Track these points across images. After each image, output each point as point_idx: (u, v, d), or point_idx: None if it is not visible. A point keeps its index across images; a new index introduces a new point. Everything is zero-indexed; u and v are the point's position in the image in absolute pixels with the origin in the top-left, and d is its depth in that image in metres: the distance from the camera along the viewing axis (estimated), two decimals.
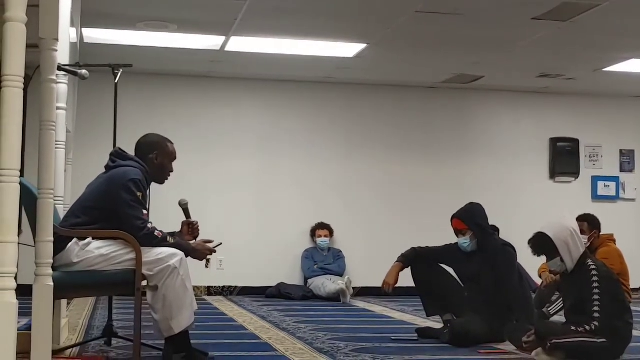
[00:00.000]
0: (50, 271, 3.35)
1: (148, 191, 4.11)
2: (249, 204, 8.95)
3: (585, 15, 6.14)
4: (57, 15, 3.45)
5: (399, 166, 9.27)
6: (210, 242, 4.13)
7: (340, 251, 8.91)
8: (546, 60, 7.87)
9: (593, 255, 6.04)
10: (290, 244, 8.89)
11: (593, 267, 4.32)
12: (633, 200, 9.69)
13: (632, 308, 4.58)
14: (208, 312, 6.71)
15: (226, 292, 8.79)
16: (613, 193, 9.64)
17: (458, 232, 5.28)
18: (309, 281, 8.61)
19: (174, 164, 4.26)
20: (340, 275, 8.62)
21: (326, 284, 8.28)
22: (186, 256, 3.96)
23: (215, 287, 8.75)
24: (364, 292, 8.73)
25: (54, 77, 3.44)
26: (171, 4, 6.13)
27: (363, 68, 8.25)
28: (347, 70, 8.36)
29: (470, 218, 5.23)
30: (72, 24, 5.21)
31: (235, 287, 8.82)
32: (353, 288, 8.43)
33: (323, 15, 6.42)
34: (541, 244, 4.46)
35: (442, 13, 6.19)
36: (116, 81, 4.62)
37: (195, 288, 8.43)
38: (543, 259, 4.78)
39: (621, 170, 9.72)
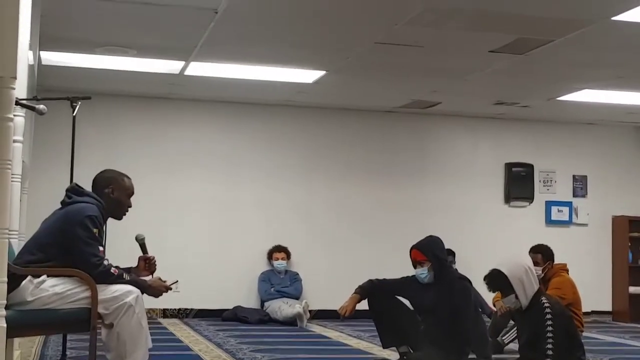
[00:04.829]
0: (4, 312, 3.30)
1: (104, 227, 4.09)
2: (208, 225, 8.91)
3: (540, 49, 6.27)
4: (15, 53, 3.40)
5: (358, 189, 9.32)
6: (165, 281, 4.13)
7: (297, 274, 8.91)
8: (502, 89, 8.02)
9: (546, 284, 6.19)
10: (249, 267, 8.86)
11: (547, 304, 4.41)
12: (585, 225, 9.87)
13: (585, 333, 4.68)
14: (163, 339, 6.64)
15: (182, 314, 8.73)
16: (566, 218, 9.81)
17: (416, 263, 5.32)
18: (266, 304, 8.58)
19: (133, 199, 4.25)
20: (297, 298, 8.62)
21: (283, 308, 8.27)
22: (142, 293, 3.95)
23: (171, 309, 8.69)
24: (321, 315, 8.73)
25: (11, 116, 3.39)
26: (130, 30, 6.09)
27: (322, 93, 8.30)
28: (306, 94, 8.41)
29: (430, 249, 5.29)
30: (30, 47, 5.16)
31: (192, 309, 8.76)
32: (310, 311, 8.43)
33: (283, 44, 6.45)
34: (496, 280, 4.54)
35: (402, 44, 6.25)
36: (74, 114, 4.56)
37: (151, 310, 8.38)
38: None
39: (574, 196, 9.90)
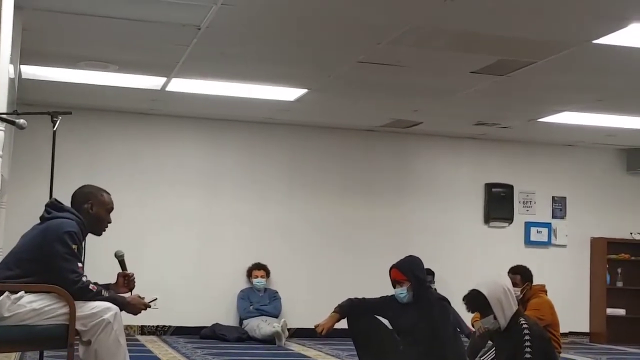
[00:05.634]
0: None
1: (84, 243, 4.05)
2: (187, 242, 8.86)
3: (521, 71, 6.32)
4: None
5: (338, 207, 9.32)
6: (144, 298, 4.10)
7: (277, 292, 8.87)
8: (483, 110, 8.08)
9: (525, 305, 6.19)
10: (228, 284, 8.82)
11: (525, 325, 4.40)
12: (564, 246, 9.92)
13: (562, 354, 4.68)
14: (141, 356, 6.59)
15: (160, 331, 8.66)
16: (545, 239, 9.86)
17: (396, 283, 5.30)
18: (245, 322, 8.54)
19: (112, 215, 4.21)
20: (276, 316, 8.59)
21: (261, 326, 8.23)
22: (120, 310, 3.92)
23: (149, 326, 8.62)
24: (300, 333, 8.70)
25: None
26: (113, 45, 6.08)
27: (304, 111, 8.32)
28: (288, 112, 8.42)
29: (409, 269, 5.27)
30: (11, 61, 5.12)
31: (170, 326, 8.69)
32: (289, 329, 8.40)
33: (265, 62, 6.45)
34: (475, 301, 4.52)
35: (384, 64, 6.28)
36: (55, 129, 4.52)
37: (129, 327, 8.30)
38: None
39: (553, 217, 9.96)
